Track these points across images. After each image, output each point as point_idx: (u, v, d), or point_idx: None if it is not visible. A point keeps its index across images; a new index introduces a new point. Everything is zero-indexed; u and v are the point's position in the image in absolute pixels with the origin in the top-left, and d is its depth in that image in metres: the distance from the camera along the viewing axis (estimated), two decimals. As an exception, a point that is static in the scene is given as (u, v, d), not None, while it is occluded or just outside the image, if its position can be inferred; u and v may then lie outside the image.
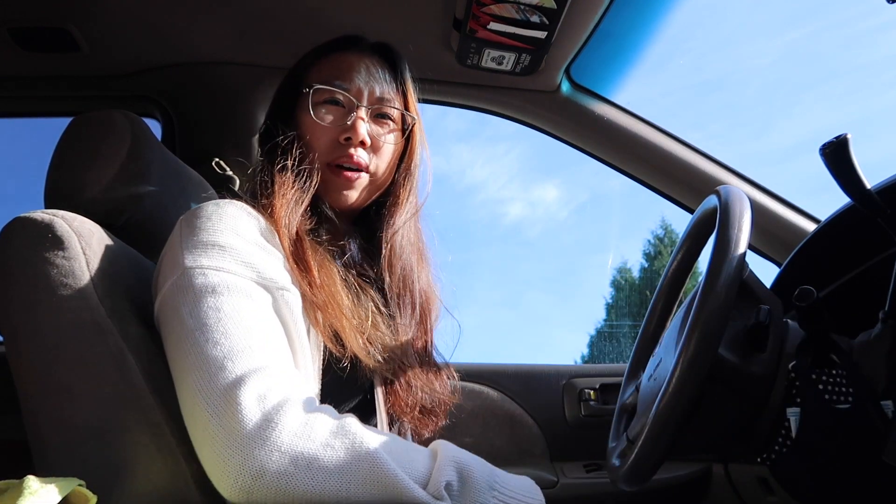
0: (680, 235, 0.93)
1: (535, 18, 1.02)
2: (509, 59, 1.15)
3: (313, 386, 0.72)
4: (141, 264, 0.80)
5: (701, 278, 0.68)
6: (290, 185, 0.79)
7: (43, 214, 0.68)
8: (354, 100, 0.84)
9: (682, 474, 1.35)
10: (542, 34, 1.06)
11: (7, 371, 0.66)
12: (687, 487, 1.34)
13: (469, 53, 1.14)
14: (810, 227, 1.24)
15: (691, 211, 1.29)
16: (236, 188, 1.33)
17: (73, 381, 0.64)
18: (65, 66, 1.25)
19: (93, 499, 0.53)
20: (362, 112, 0.84)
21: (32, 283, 0.65)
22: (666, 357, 0.75)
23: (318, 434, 0.57)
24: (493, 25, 1.04)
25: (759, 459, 0.70)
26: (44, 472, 0.63)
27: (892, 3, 0.68)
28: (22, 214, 0.69)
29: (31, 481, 0.50)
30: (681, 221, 1.31)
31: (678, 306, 0.92)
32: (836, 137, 0.63)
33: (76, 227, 0.69)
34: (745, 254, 0.67)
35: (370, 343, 0.78)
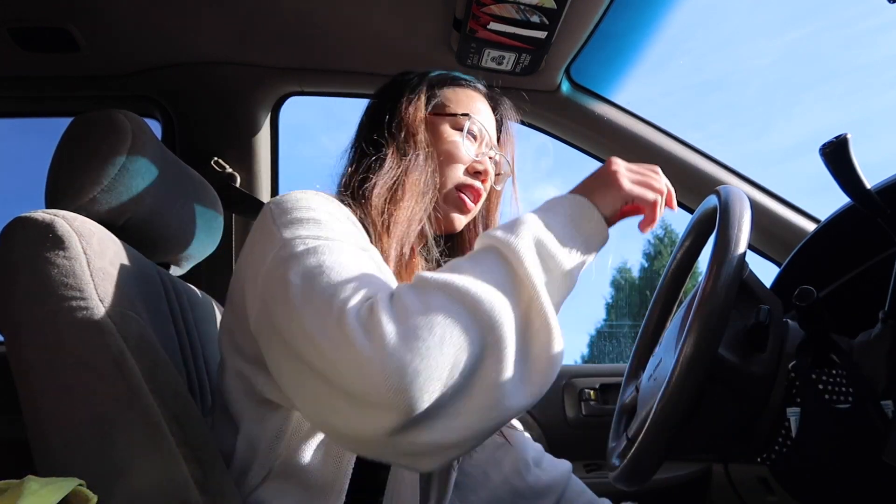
0: (680, 235, 0.93)
1: (535, 18, 1.02)
2: (509, 59, 1.15)
3: None
4: (143, 264, 0.80)
5: (701, 278, 0.68)
6: (419, 199, 0.81)
7: (44, 214, 0.68)
8: (487, 138, 0.91)
9: (682, 474, 1.35)
10: (542, 34, 1.06)
11: (7, 371, 0.66)
12: (687, 487, 1.34)
13: (469, 53, 1.14)
14: (810, 227, 1.24)
15: (691, 211, 1.29)
16: (237, 185, 1.33)
17: (73, 381, 0.64)
18: (65, 66, 1.25)
19: (93, 499, 0.53)
20: (489, 151, 0.91)
21: (33, 282, 0.65)
22: (666, 357, 0.75)
23: (412, 306, 0.55)
24: (493, 25, 1.04)
25: (759, 459, 0.69)
26: (45, 472, 0.63)
27: (893, 2, 0.68)
28: (23, 214, 0.69)
29: (32, 481, 0.50)
30: (681, 221, 1.31)
31: (678, 306, 0.92)
32: (836, 137, 0.63)
33: (77, 227, 0.69)
34: (745, 254, 0.67)
35: None
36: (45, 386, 0.64)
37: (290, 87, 1.35)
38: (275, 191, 1.43)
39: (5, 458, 1.07)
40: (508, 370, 0.55)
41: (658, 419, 0.64)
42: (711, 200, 0.78)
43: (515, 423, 1.00)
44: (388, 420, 0.52)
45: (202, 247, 0.98)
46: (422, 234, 0.84)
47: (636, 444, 0.68)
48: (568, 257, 0.61)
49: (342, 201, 0.77)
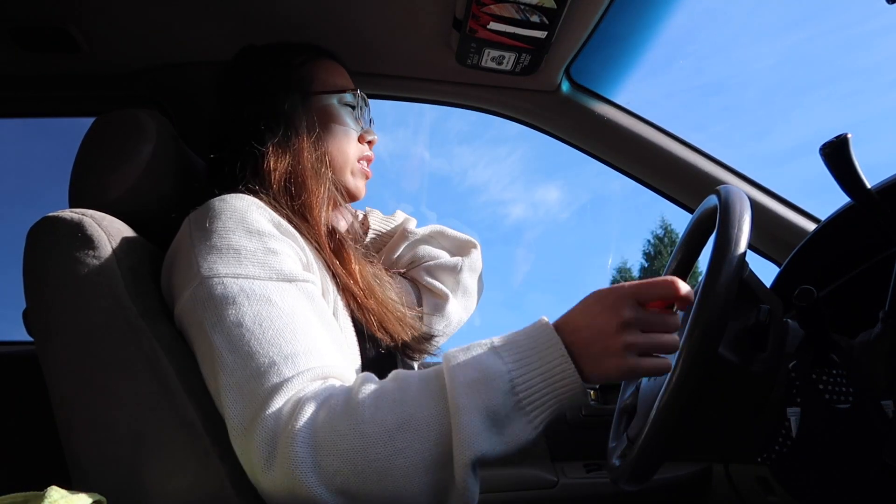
0: (680, 235, 0.93)
1: (535, 18, 1.02)
2: (509, 59, 1.15)
3: (353, 363, 0.73)
4: None
5: (701, 278, 0.68)
6: (324, 183, 0.83)
7: (72, 214, 0.68)
8: (363, 104, 0.95)
9: (682, 474, 1.35)
10: (542, 34, 1.06)
11: (35, 372, 0.65)
12: (687, 487, 1.34)
13: (469, 53, 1.14)
14: (810, 227, 1.23)
15: (691, 211, 1.29)
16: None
17: (106, 381, 0.63)
18: (65, 66, 1.25)
19: None
20: (369, 115, 0.96)
21: (63, 283, 0.64)
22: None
23: (327, 441, 0.55)
24: (493, 25, 1.04)
25: (759, 459, 0.69)
26: (77, 473, 0.63)
27: (892, 3, 0.68)
28: (50, 214, 0.68)
29: (53, 491, 0.50)
30: (681, 221, 1.31)
31: (678, 306, 0.92)
32: (837, 137, 0.63)
33: (105, 227, 0.68)
34: (745, 254, 0.67)
35: (410, 327, 0.83)
36: (78, 386, 0.64)
37: (290, 87, 1.35)
38: (275, 191, 1.43)
39: (32, 461, 1.06)
40: None
41: (658, 419, 0.64)
42: (712, 200, 0.78)
43: None
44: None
45: None
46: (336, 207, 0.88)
47: (636, 444, 0.68)
48: (522, 430, 0.56)
49: (261, 199, 0.75)
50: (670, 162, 1.28)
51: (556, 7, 0.99)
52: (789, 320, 0.73)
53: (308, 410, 0.56)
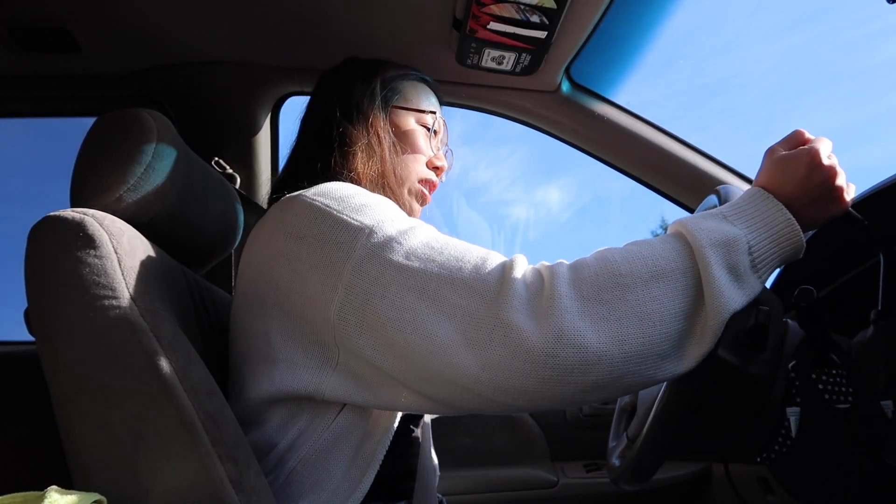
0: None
1: (535, 18, 1.02)
2: (509, 59, 1.15)
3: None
4: (168, 263, 0.79)
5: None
6: (376, 193, 0.82)
7: (73, 213, 0.68)
8: (443, 133, 0.95)
9: (682, 474, 1.35)
10: (542, 34, 1.06)
11: (36, 371, 0.65)
12: (687, 487, 1.34)
13: (469, 53, 1.14)
14: (810, 227, 1.23)
15: (691, 211, 1.29)
16: (237, 186, 1.34)
17: (107, 381, 0.63)
18: (65, 66, 1.25)
19: None
20: (444, 146, 0.97)
21: (64, 282, 0.65)
22: (666, 357, 0.75)
23: (586, 293, 0.59)
24: (493, 25, 1.04)
25: (758, 459, 0.70)
26: (77, 473, 0.63)
27: (893, 2, 0.68)
28: (51, 213, 0.68)
29: (53, 492, 0.50)
30: (681, 221, 1.31)
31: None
32: None
33: (107, 226, 0.68)
34: (745, 254, 0.67)
35: None
36: (79, 386, 0.64)
37: (290, 87, 1.35)
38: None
39: (32, 461, 1.06)
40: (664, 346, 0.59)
41: (658, 419, 0.65)
42: (711, 200, 0.78)
43: None
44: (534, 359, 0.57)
45: (223, 244, 0.97)
46: None
47: (636, 444, 0.68)
48: (754, 286, 0.61)
49: None
50: (670, 162, 1.29)
51: (556, 7, 0.99)
52: (789, 320, 0.73)
53: (558, 269, 0.61)
